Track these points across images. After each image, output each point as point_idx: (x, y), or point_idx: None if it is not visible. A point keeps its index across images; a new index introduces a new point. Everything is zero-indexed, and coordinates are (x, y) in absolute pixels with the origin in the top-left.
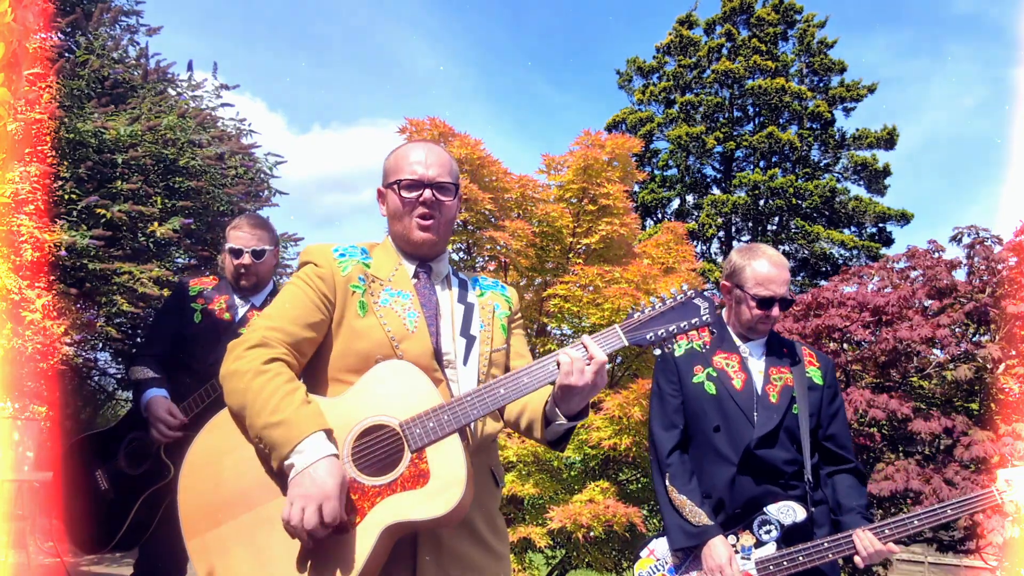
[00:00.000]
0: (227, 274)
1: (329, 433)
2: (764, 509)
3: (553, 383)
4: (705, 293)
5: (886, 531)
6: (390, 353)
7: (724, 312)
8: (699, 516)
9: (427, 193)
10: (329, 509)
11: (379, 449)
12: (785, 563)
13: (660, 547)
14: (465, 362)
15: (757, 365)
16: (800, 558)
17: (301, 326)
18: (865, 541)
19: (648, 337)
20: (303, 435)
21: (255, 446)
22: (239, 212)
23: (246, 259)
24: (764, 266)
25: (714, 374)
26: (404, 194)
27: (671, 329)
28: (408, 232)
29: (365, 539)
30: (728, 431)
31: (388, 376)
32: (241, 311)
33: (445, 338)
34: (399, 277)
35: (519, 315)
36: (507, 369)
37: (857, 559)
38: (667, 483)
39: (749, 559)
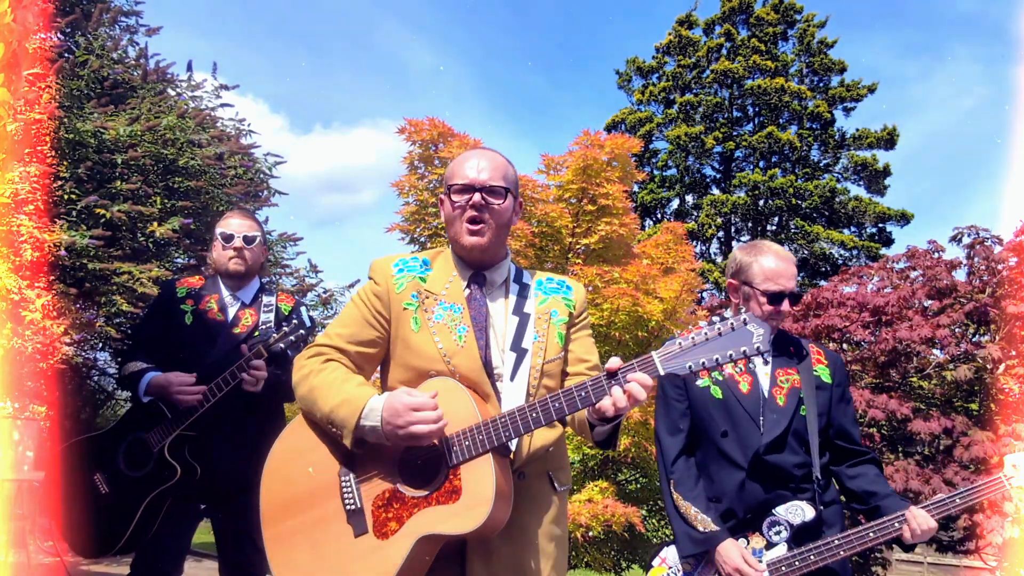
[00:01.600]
0: (217, 263)
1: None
2: (773, 510)
3: (586, 406)
4: (758, 320)
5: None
6: (443, 368)
7: (730, 312)
8: (705, 522)
9: (476, 197)
10: (419, 404)
11: (422, 462)
12: (797, 563)
13: (671, 555)
14: (513, 377)
15: (763, 367)
16: (812, 557)
17: (354, 343)
18: (920, 519)
19: (688, 367)
20: (365, 401)
21: (328, 434)
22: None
23: (237, 242)
24: (772, 261)
25: (720, 378)
26: (454, 198)
27: (715, 359)
28: (459, 237)
29: (402, 546)
30: (736, 436)
31: (435, 392)
32: (232, 310)
33: (495, 351)
34: (452, 290)
35: (582, 316)
36: (565, 376)
37: (906, 536)
38: (672, 490)
39: (761, 561)
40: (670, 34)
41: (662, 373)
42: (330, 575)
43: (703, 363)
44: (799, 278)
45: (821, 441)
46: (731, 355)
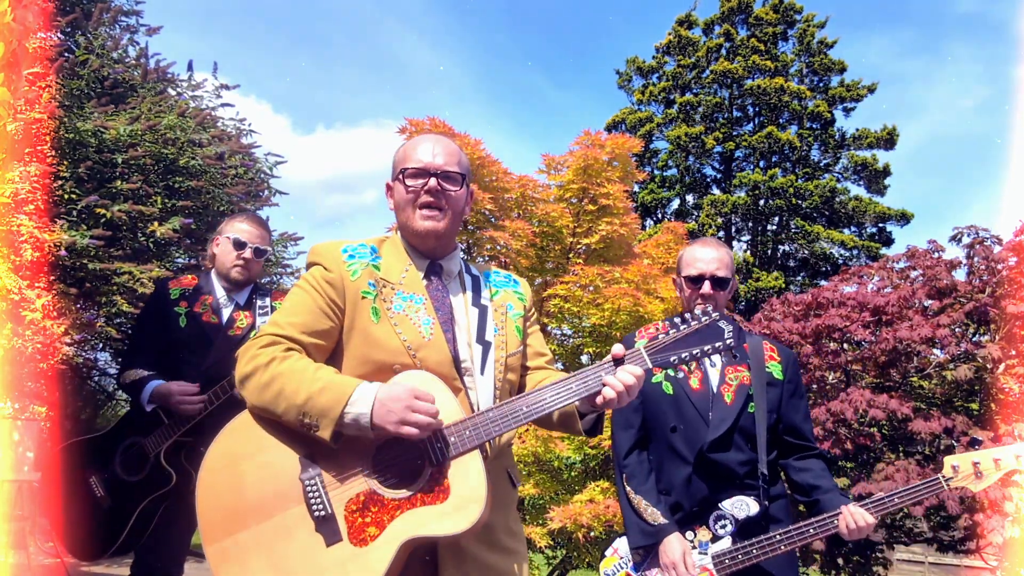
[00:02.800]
0: (220, 265)
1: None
2: (719, 504)
3: (576, 402)
4: (728, 316)
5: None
6: (408, 363)
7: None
8: (655, 515)
9: (432, 182)
10: (422, 394)
11: (400, 460)
12: (740, 556)
13: (623, 546)
14: (482, 370)
15: (715, 362)
16: (754, 551)
17: (308, 333)
18: (856, 515)
19: (672, 359)
20: (351, 389)
21: (290, 429)
22: (238, 212)
23: (247, 253)
24: (694, 249)
25: (672, 374)
26: (409, 183)
27: (695, 352)
28: (412, 222)
29: (384, 552)
30: (685, 432)
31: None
32: (226, 312)
33: (461, 345)
34: (410, 279)
35: (532, 311)
36: (524, 371)
37: (842, 530)
38: (625, 483)
39: (706, 554)
40: (670, 34)
41: (650, 366)
42: None
43: (684, 356)
44: (799, 278)
45: (771, 437)
46: (708, 349)
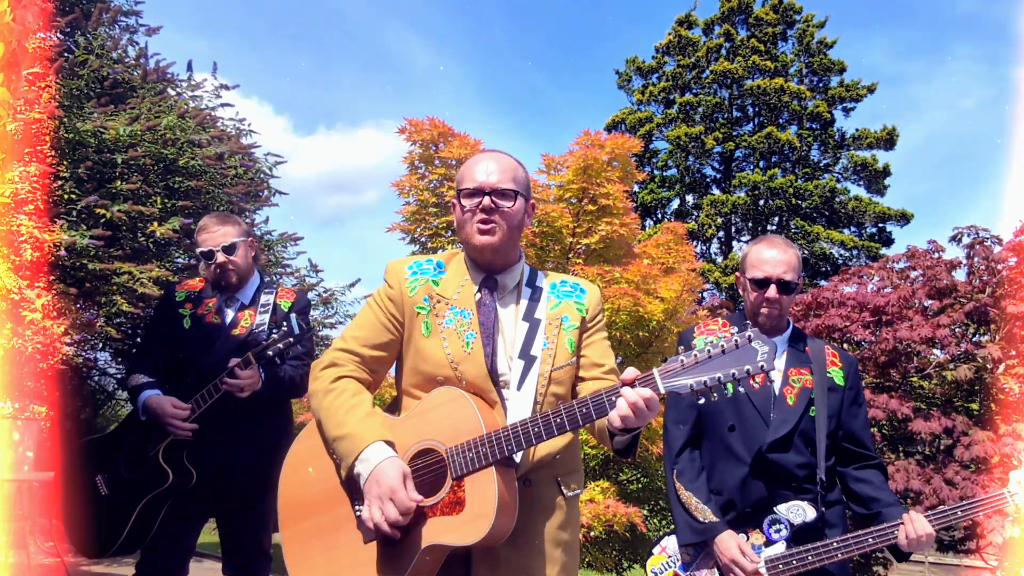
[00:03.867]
0: (209, 279)
1: (389, 443)
2: (774, 508)
3: (590, 423)
4: (764, 337)
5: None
6: (450, 374)
7: (744, 306)
8: (705, 513)
9: (485, 200)
10: (399, 500)
11: (427, 472)
12: (795, 562)
13: (671, 544)
14: (520, 385)
15: (777, 364)
16: (809, 557)
17: (369, 347)
18: (918, 524)
19: (690, 386)
20: (364, 445)
21: (331, 456)
22: (238, 212)
23: (219, 258)
24: (760, 249)
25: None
26: (464, 202)
27: (718, 377)
28: (470, 238)
29: (407, 555)
30: (742, 431)
31: (442, 402)
32: (231, 313)
33: (501, 359)
34: (464, 294)
35: (595, 320)
36: (579, 381)
37: (901, 540)
38: (676, 479)
39: (759, 558)
40: (670, 34)
41: (663, 391)
42: None
43: (705, 382)
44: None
45: (829, 443)
46: (734, 374)
